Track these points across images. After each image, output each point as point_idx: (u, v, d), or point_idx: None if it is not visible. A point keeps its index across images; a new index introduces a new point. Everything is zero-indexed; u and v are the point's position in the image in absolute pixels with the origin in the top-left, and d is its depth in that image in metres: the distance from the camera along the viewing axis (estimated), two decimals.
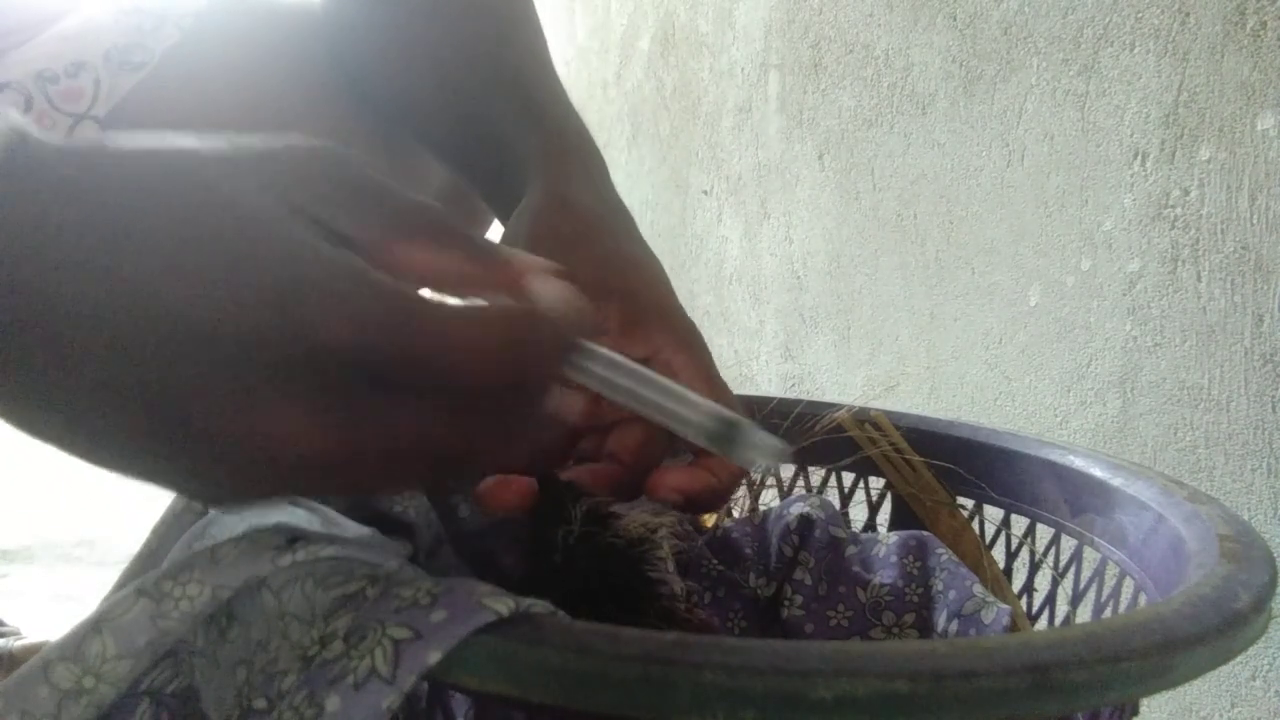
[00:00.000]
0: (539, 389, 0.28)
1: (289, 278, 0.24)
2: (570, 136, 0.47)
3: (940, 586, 0.48)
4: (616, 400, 0.29)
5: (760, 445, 0.28)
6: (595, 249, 0.41)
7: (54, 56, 0.55)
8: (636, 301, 0.41)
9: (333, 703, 0.25)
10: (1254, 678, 0.61)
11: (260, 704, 0.27)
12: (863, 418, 0.58)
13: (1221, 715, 0.63)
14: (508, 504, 0.38)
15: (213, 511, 0.33)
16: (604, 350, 0.29)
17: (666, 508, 0.51)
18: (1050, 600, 0.50)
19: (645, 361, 0.40)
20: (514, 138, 0.46)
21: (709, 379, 0.41)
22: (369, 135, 0.62)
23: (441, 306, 0.26)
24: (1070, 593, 0.48)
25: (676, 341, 0.41)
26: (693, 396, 0.28)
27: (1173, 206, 0.64)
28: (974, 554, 0.52)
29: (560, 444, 0.30)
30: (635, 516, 0.45)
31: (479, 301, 0.28)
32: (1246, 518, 0.58)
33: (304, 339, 0.24)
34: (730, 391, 0.42)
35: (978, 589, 0.47)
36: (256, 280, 0.24)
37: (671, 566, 0.49)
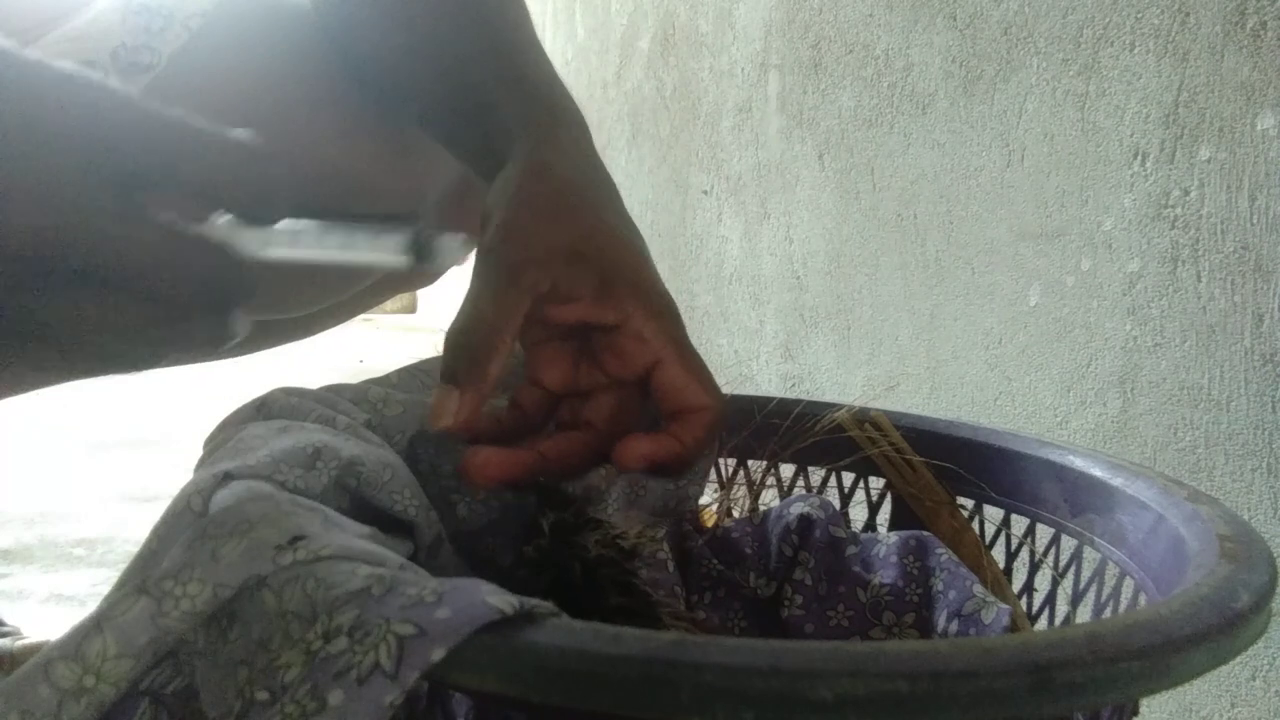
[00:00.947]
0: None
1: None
2: (555, 106, 0.47)
3: (940, 586, 0.48)
4: (323, 258, 0.35)
5: (453, 247, 0.33)
6: (573, 218, 0.42)
7: (61, 57, 0.55)
8: (610, 270, 0.41)
9: (336, 697, 0.25)
10: (1254, 678, 0.61)
11: (263, 696, 0.27)
12: (863, 418, 0.58)
13: (1221, 715, 0.63)
14: (491, 478, 0.39)
15: (213, 511, 0.33)
16: (298, 227, 0.34)
17: (662, 520, 0.51)
18: (1050, 600, 0.50)
19: (616, 329, 0.42)
20: (501, 106, 0.47)
21: (680, 347, 0.42)
22: (376, 134, 0.62)
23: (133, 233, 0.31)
24: (1070, 593, 0.48)
25: (648, 310, 0.41)
26: (385, 231, 0.33)
27: (1173, 206, 0.64)
28: (974, 554, 0.52)
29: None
30: (633, 522, 0.45)
31: None
32: (1246, 518, 0.58)
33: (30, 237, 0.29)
34: (702, 360, 0.43)
35: (978, 589, 0.47)
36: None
37: (672, 568, 0.49)
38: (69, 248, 0.30)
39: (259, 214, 0.34)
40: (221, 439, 0.38)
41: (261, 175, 0.33)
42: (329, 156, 0.60)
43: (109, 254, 0.31)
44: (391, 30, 0.55)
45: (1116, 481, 0.44)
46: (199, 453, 0.38)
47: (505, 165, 0.44)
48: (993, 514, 0.54)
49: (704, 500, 0.57)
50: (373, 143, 0.62)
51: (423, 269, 0.35)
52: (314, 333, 0.74)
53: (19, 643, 0.86)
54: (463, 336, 0.39)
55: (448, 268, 0.37)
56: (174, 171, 0.32)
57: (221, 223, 0.33)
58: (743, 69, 1.27)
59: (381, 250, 0.34)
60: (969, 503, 0.55)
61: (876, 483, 0.59)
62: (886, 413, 0.58)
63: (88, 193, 0.31)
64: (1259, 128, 0.58)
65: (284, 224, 0.34)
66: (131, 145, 0.32)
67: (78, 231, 0.30)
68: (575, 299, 0.41)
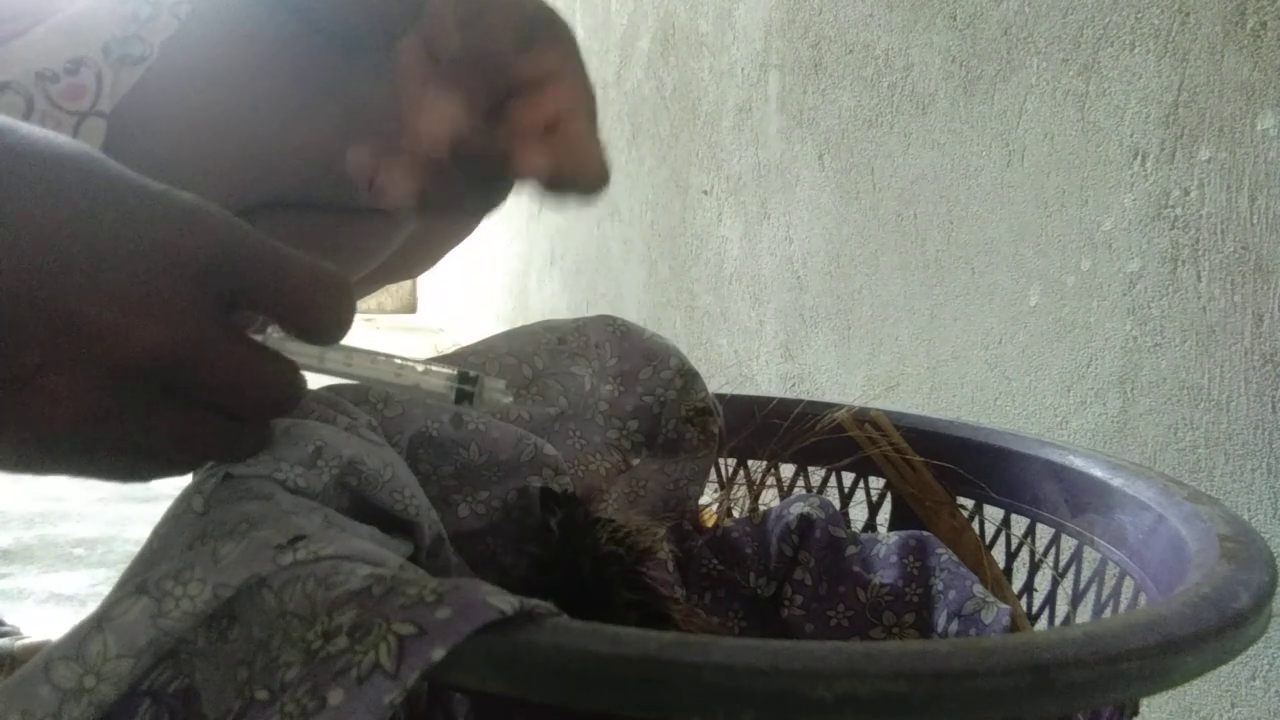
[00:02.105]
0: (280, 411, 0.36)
1: (140, 294, 0.31)
2: None
3: (940, 586, 0.48)
4: (372, 383, 0.37)
5: (494, 394, 0.35)
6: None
7: (52, 53, 0.55)
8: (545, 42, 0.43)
9: (335, 696, 0.25)
10: (1254, 678, 0.61)
11: (263, 695, 0.27)
12: (863, 418, 0.58)
13: (1221, 715, 0.63)
14: (398, 191, 0.41)
15: (213, 511, 0.33)
16: (352, 349, 0.36)
17: (663, 519, 0.51)
18: (1050, 600, 0.50)
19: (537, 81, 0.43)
20: None
21: (589, 105, 0.44)
22: (360, 117, 0.62)
23: (237, 350, 0.33)
24: (1070, 593, 0.48)
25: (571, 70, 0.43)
26: (433, 369, 0.35)
27: (1173, 206, 0.64)
28: (974, 554, 0.52)
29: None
30: (634, 521, 0.45)
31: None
32: (1246, 518, 0.58)
33: (131, 345, 0.31)
34: (601, 149, 0.44)
35: (978, 589, 0.47)
36: (119, 287, 0.31)
37: (672, 567, 0.49)
38: (181, 363, 0.32)
39: (325, 337, 0.35)
40: None
41: (344, 303, 0.35)
42: (325, 147, 0.60)
43: (210, 370, 0.32)
44: None
45: (1116, 481, 0.44)
46: None
47: None
48: (993, 514, 0.54)
49: (704, 500, 0.57)
50: (363, 135, 0.62)
51: (462, 410, 0.39)
52: None
53: (19, 643, 0.86)
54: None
55: (488, 409, 0.40)
56: (269, 293, 0.34)
57: (278, 336, 0.35)
58: (743, 69, 1.27)
59: (431, 381, 0.36)
60: (969, 503, 0.55)
61: (876, 483, 0.59)
62: (886, 413, 0.58)
63: (200, 308, 0.32)
64: (1259, 128, 0.58)
65: (341, 343, 0.36)
66: (238, 265, 0.33)
67: (189, 347, 0.32)
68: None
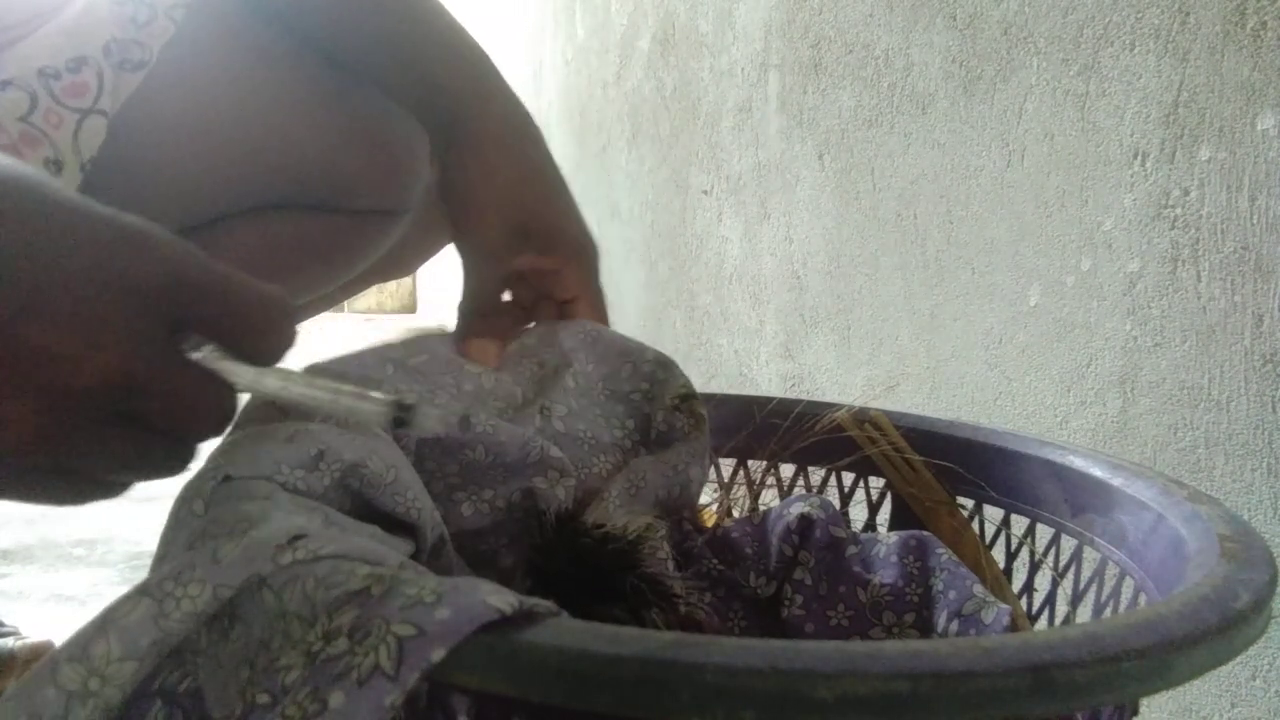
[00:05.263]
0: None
1: (98, 324, 0.31)
2: (488, 78, 0.58)
3: (940, 586, 0.48)
4: (300, 407, 0.37)
5: (429, 422, 0.36)
6: (520, 196, 0.54)
7: (54, 52, 0.55)
8: (549, 235, 0.55)
9: (336, 699, 0.25)
10: (1254, 678, 0.61)
11: (264, 699, 0.27)
12: (863, 418, 0.58)
13: (1221, 715, 0.63)
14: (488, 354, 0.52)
15: (213, 511, 0.33)
16: (290, 371, 0.37)
17: (664, 514, 0.51)
18: (1050, 600, 0.50)
19: (554, 272, 0.56)
20: (443, 79, 0.56)
21: (590, 289, 0.56)
22: (359, 131, 0.63)
23: (185, 376, 0.34)
24: (1070, 593, 0.48)
25: (574, 262, 0.55)
26: (368, 394, 0.36)
27: (1173, 206, 0.64)
28: (974, 554, 0.53)
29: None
30: (633, 522, 0.45)
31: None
32: (1246, 518, 0.58)
33: (82, 371, 0.31)
34: (604, 297, 0.57)
35: (978, 589, 0.47)
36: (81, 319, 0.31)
37: (671, 566, 0.49)
38: (130, 388, 0.32)
39: (267, 359, 0.36)
40: (231, 437, 0.38)
41: (287, 326, 0.36)
42: (317, 154, 0.61)
43: (158, 396, 0.33)
44: (333, 10, 0.59)
45: (1116, 481, 0.44)
46: (205, 451, 0.38)
47: (452, 135, 0.55)
48: (993, 514, 0.54)
49: (704, 500, 0.57)
50: (357, 139, 0.63)
51: (398, 431, 0.41)
52: None
53: (20, 643, 0.86)
54: (475, 302, 0.53)
55: (423, 433, 0.42)
56: (216, 317, 0.34)
57: (214, 355, 0.35)
58: (743, 69, 1.27)
59: (366, 407, 0.36)
60: (969, 503, 0.55)
61: (876, 483, 0.59)
62: (886, 413, 0.58)
63: (149, 334, 0.32)
64: (1259, 128, 0.58)
65: (278, 366, 0.37)
66: (186, 292, 0.33)
67: (139, 373, 0.32)
68: (527, 262, 0.55)
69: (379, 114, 0.64)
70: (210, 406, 0.35)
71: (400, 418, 0.36)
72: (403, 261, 0.80)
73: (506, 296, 0.57)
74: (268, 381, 0.36)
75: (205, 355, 0.34)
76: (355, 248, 0.69)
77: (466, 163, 0.54)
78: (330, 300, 0.77)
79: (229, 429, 0.39)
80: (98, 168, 0.56)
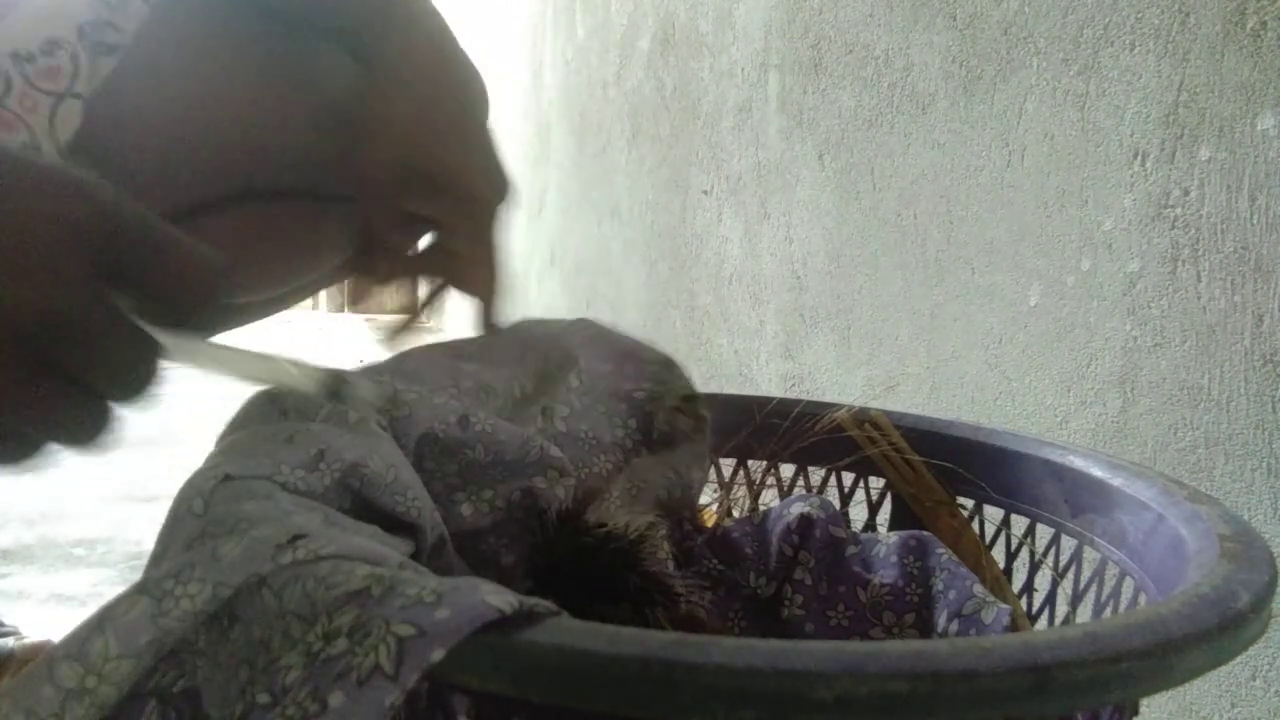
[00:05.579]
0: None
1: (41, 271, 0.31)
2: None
3: (940, 586, 0.48)
4: (239, 378, 0.37)
5: (364, 393, 0.36)
6: (428, 142, 0.51)
7: (27, 34, 0.55)
8: (450, 188, 0.52)
9: (336, 699, 0.25)
10: (1254, 678, 0.61)
11: (264, 699, 0.27)
12: (863, 418, 0.58)
13: (1221, 715, 0.63)
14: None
15: (213, 511, 0.33)
16: (217, 345, 0.37)
17: (665, 515, 0.51)
18: (1050, 600, 0.50)
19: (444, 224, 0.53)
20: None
21: (477, 245, 0.53)
22: (326, 117, 0.63)
23: (117, 327, 0.33)
24: (1070, 593, 0.48)
25: (468, 217, 0.53)
26: (301, 363, 0.36)
27: (1173, 206, 0.64)
28: (974, 554, 0.52)
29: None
30: (635, 521, 0.45)
31: None
32: (1246, 518, 0.58)
33: (12, 311, 0.31)
34: (495, 259, 0.54)
35: (978, 589, 0.47)
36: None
37: (672, 567, 0.49)
38: (60, 333, 0.32)
39: (200, 322, 0.36)
40: (232, 438, 0.38)
41: (215, 282, 0.36)
42: (288, 139, 0.61)
43: (88, 344, 0.32)
44: None
45: (1116, 481, 0.44)
46: (205, 451, 0.38)
47: (368, 52, 0.53)
48: (993, 514, 0.54)
49: (704, 500, 0.57)
50: (326, 124, 0.63)
51: (333, 405, 0.41)
52: (248, 321, 0.75)
53: (20, 643, 0.86)
54: (357, 241, 0.52)
55: (360, 410, 0.42)
56: (146, 266, 0.34)
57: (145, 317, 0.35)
58: (743, 69, 1.27)
59: (300, 376, 0.36)
60: (969, 503, 0.55)
61: (876, 483, 0.59)
62: (886, 413, 0.58)
63: (80, 278, 0.32)
64: (1259, 128, 0.58)
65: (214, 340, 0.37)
66: (119, 238, 0.33)
67: (70, 316, 0.32)
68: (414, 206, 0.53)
69: (349, 97, 0.64)
70: (134, 362, 0.34)
71: (334, 389, 0.36)
72: None
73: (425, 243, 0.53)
74: (197, 347, 0.36)
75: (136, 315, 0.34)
76: (331, 233, 0.69)
77: (371, 84, 0.51)
78: (311, 289, 0.76)
79: (225, 435, 0.38)
80: (74, 152, 0.55)
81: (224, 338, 0.37)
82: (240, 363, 0.36)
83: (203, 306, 0.36)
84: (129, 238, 0.34)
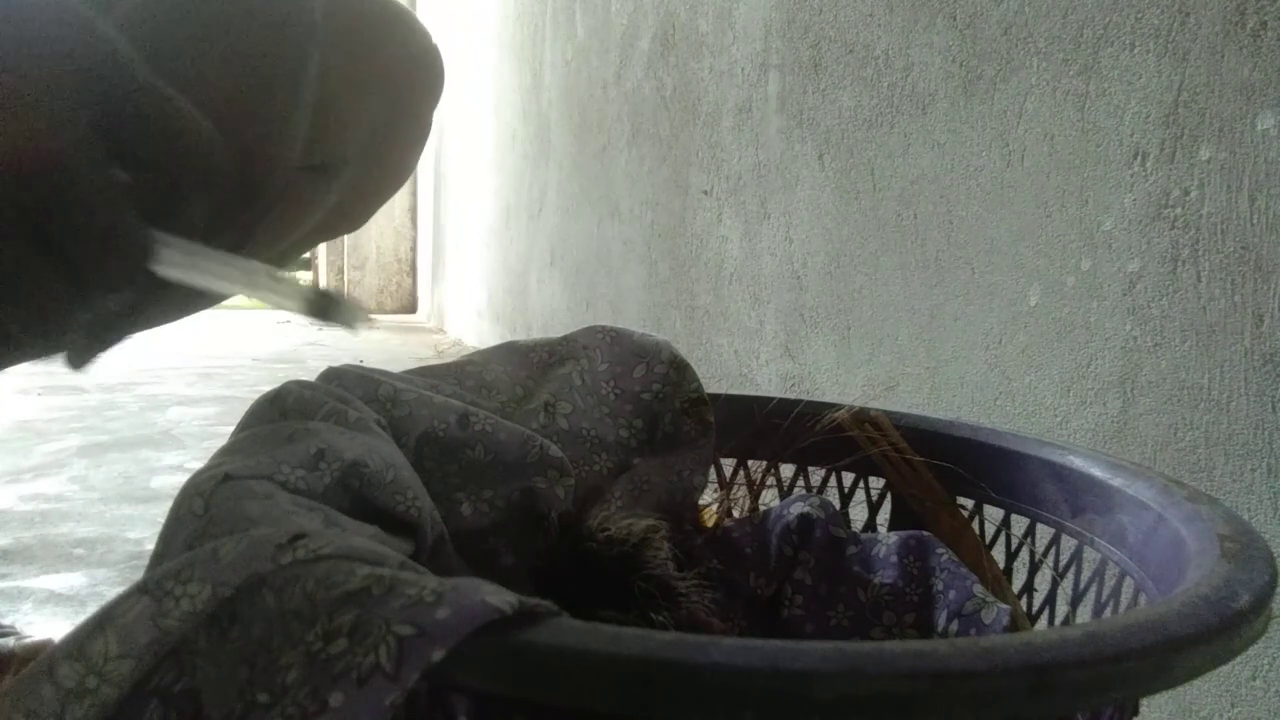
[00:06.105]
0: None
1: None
2: None
3: (940, 586, 0.48)
4: (222, 288, 0.37)
5: (350, 311, 0.36)
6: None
7: None
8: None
9: (336, 698, 0.25)
10: (1254, 678, 0.61)
11: (263, 698, 0.27)
12: (863, 418, 0.58)
13: (1221, 715, 0.63)
14: None
15: (214, 511, 0.33)
16: (203, 249, 0.36)
17: (666, 516, 0.51)
18: (1050, 600, 0.50)
19: None
20: None
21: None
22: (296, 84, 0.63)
23: (110, 190, 0.32)
24: (1070, 593, 0.48)
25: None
26: (289, 278, 0.36)
27: (1173, 206, 0.64)
28: (974, 554, 0.52)
29: None
30: (635, 523, 0.45)
31: None
32: (1246, 518, 0.58)
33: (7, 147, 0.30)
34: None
35: (978, 589, 0.47)
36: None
37: (673, 567, 0.50)
38: (53, 184, 0.30)
39: (191, 212, 0.35)
40: (233, 437, 0.38)
41: (217, 174, 0.35)
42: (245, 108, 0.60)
43: (78, 204, 0.31)
44: None
45: (1116, 481, 0.44)
46: (205, 451, 0.38)
47: None
48: (993, 514, 0.54)
49: (704, 500, 0.57)
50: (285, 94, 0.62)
51: (319, 325, 0.40)
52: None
53: (19, 643, 0.86)
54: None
55: (345, 326, 0.42)
56: (147, 125, 0.33)
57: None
58: (743, 69, 1.27)
59: (287, 289, 0.36)
60: (969, 503, 0.55)
61: (876, 483, 0.59)
62: (886, 413, 0.58)
63: (77, 119, 0.31)
64: (1259, 128, 0.58)
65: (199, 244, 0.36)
66: (127, 94, 0.32)
67: (65, 164, 0.30)
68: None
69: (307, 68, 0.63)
70: (123, 246, 0.33)
71: (321, 307, 0.36)
72: (349, 214, 0.78)
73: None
74: (183, 246, 0.35)
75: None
76: (289, 208, 0.68)
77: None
78: (276, 262, 0.75)
79: (231, 437, 0.38)
80: None
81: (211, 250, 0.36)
82: (226, 271, 0.35)
83: (197, 186, 0.34)
84: (132, 91, 0.32)
